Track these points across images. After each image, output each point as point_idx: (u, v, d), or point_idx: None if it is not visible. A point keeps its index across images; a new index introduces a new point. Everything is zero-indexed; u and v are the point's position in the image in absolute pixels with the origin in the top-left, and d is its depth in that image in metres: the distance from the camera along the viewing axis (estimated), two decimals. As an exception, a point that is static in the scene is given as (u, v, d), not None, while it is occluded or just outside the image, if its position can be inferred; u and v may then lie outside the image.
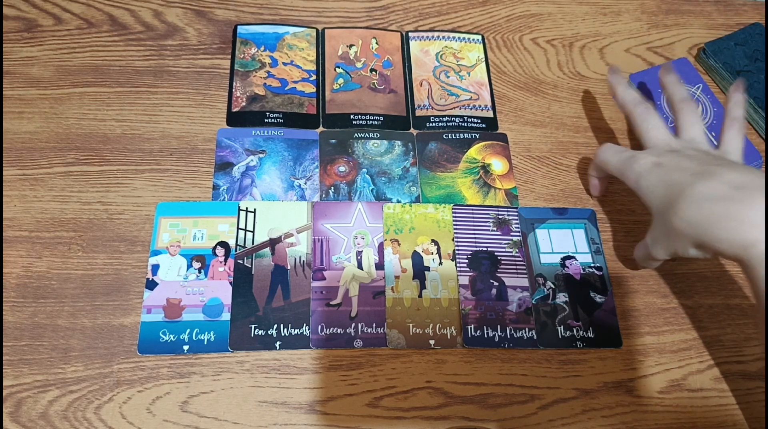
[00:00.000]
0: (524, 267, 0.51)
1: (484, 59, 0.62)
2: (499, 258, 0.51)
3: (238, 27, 0.60)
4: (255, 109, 0.56)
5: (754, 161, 0.55)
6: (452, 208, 0.53)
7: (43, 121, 0.53)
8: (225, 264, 0.48)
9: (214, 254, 0.49)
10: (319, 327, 0.47)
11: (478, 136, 0.57)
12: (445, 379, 0.46)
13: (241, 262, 0.49)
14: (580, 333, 0.48)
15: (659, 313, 0.51)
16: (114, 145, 0.53)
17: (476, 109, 0.59)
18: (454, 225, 0.52)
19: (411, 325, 0.48)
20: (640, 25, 0.66)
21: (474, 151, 0.56)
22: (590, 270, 0.51)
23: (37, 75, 0.55)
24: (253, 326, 0.46)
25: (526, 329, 0.48)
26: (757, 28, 0.64)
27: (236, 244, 0.49)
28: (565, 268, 0.51)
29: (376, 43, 0.61)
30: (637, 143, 0.59)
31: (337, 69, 0.59)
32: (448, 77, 0.60)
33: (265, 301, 0.47)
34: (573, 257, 0.52)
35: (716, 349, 0.49)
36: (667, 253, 0.45)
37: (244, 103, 0.56)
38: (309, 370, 0.46)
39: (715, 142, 0.53)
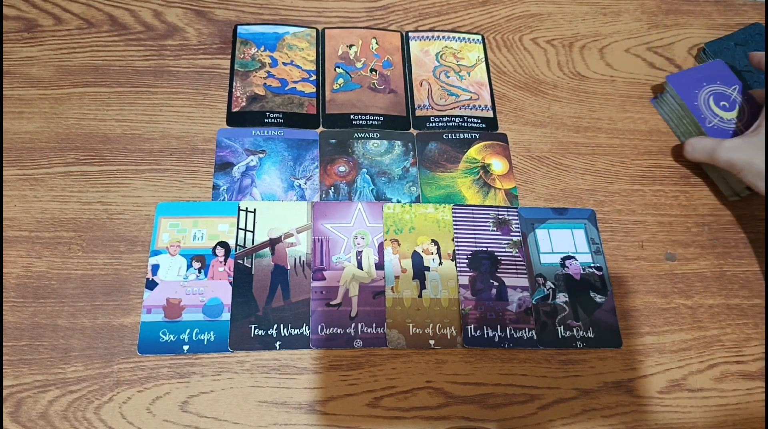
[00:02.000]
0: (524, 267, 0.51)
1: (484, 59, 0.62)
2: (499, 258, 0.51)
3: (238, 27, 0.60)
4: (255, 109, 0.56)
5: None
6: (452, 208, 0.53)
7: (43, 121, 0.53)
8: (225, 264, 0.48)
9: (214, 254, 0.49)
10: (319, 327, 0.47)
11: (478, 136, 0.57)
12: (445, 379, 0.46)
13: (241, 262, 0.49)
14: (580, 333, 0.48)
15: (659, 313, 0.51)
16: (114, 145, 0.53)
17: (476, 109, 0.59)
18: (454, 225, 0.52)
19: (411, 325, 0.48)
20: (640, 25, 0.66)
21: (474, 151, 0.56)
22: (590, 270, 0.51)
23: (37, 75, 0.55)
24: (253, 326, 0.46)
25: (526, 329, 0.48)
26: (757, 28, 0.64)
27: (236, 244, 0.49)
28: (565, 268, 0.51)
29: (376, 43, 0.61)
30: (636, 144, 0.59)
31: (337, 69, 0.59)
32: (448, 77, 0.60)
33: (265, 301, 0.47)
34: (573, 257, 0.52)
35: (716, 349, 0.49)
36: (734, 165, 0.50)
37: (244, 103, 0.56)
38: (309, 370, 0.46)
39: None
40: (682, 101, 0.57)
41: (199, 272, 0.48)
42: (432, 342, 0.47)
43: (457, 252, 0.51)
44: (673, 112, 0.59)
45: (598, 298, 0.50)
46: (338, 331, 0.47)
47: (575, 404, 0.46)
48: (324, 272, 0.49)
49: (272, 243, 0.50)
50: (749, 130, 0.52)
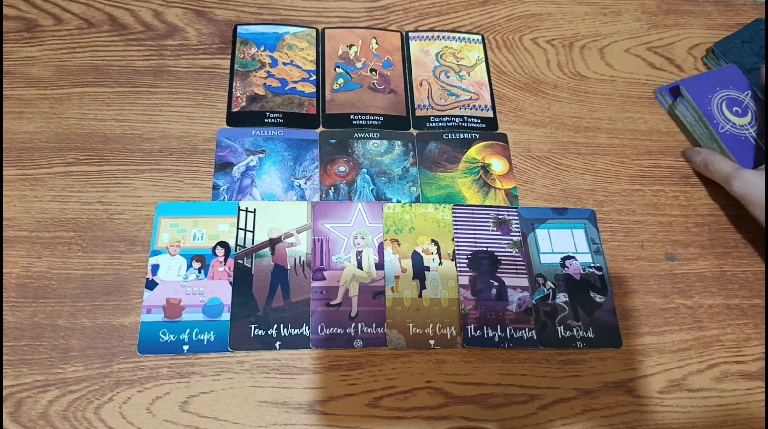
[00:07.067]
0: (524, 267, 0.51)
1: (484, 59, 0.62)
2: (499, 258, 0.51)
3: (238, 27, 0.60)
4: (255, 109, 0.56)
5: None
6: (452, 208, 0.53)
7: (43, 121, 0.53)
8: (225, 264, 0.48)
9: (214, 254, 0.49)
10: (319, 327, 0.47)
11: (478, 136, 0.57)
12: (445, 379, 0.46)
13: (241, 262, 0.49)
14: (580, 333, 0.48)
15: (659, 313, 0.51)
16: (114, 145, 0.53)
17: (476, 109, 0.59)
18: (454, 225, 0.52)
19: (411, 325, 0.48)
20: (640, 25, 0.66)
21: (474, 151, 0.56)
22: (590, 270, 0.51)
23: (37, 75, 0.55)
24: (253, 326, 0.46)
25: (526, 329, 0.48)
26: (761, 24, 0.64)
27: (236, 244, 0.49)
28: (565, 268, 0.51)
29: (376, 43, 0.61)
30: (636, 144, 0.59)
31: (337, 69, 0.59)
32: (448, 77, 0.60)
33: (264, 301, 0.47)
34: (573, 257, 0.52)
35: (716, 349, 0.49)
36: (745, 198, 0.50)
37: (244, 103, 0.56)
38: (309, 370, 0.46)
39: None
40: (696, 107, 0.57)
41: (199, 272, 0.48)
42: (432, 342, 0.47)
43: (457, 252, 0.51)
44: (685, 117, 0.59)
45: (598, 298, 0.50)
46: (338, 331, 0.47)
47: (575, 404, 0.46)
48: (324, 272, 0.49)
49: (272, 243, 0.50)
50: (764, 166, 0.53)
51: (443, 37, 0.63)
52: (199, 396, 0.44)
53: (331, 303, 0.48)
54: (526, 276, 0.50)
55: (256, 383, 0.45)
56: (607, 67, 0.63)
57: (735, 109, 0.57)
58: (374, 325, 0.47)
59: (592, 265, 0.51)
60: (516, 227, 0.52)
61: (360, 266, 0.49)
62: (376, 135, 0.56)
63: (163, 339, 0.45)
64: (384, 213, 0.52)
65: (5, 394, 0.43)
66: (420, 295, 0.49)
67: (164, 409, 0.43)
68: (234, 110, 0.56)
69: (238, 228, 0.50)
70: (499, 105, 0.59)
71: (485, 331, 0.48)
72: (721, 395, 0.48)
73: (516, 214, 0.53)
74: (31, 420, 0.42)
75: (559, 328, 0.48)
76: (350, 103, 0.57)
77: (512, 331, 0.48)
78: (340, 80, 0.59)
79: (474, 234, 0.52)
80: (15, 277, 0.46)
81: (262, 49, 0.59)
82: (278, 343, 0.46)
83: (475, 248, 0.51)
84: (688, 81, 0.58)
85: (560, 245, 0.52)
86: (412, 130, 0.57)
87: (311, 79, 0.58)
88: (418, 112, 0.58)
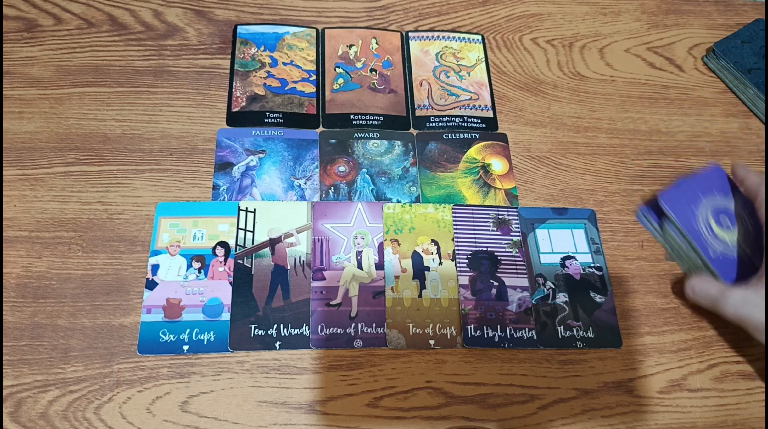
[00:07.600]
0: (524, 267, 0.51)
1: (484, 59, 0.62)
2: (499, 258, 0.51)
3: (238, 27, 0.60)
4: (255, 109, 0.56)
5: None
6: (452, 208, 0.53)
7: (43, 121, 0.53)
8: (225, 264, 0.48)
9: (214, 254, 0.49)
10: (319, 327, 0.47)
11: (478, 136, 0.57)
12: (445, 379, 0.46)
13: (241, 262, 0.49)
14: (580, 333, 0.48)
15: (659, 313, 0.51)
16: (114, 145, 0.53)
17: (476, 109, 0.59)
18: (454, 225, 0.52)
19: (411, 325, 0.48)
20: (640, 25, 0.66)
21: (474, 151, 0.56)
22: (590, 270, 0.51)
23: (37, 75, 0.55)
24: (253, 326, 0.46)
25: (526, 329, 0.48)
26: (761, 24, 0.64)
27: (236, 244, 0.49)
28: (565, 268, 0.51)
29: (376, 43, 0.61)
30: (636, 144, 0.59)
31: (337, 69, 0.59)
32: (448, 77, 0.60)
33: (265, 301, 0.47)
34: (573, 257, 0.52)
35: (716, 349, 0.49)
36: (746, 323, 0.45)
37: (244, 103, 0.56)
38: (309, 370, 0.46)
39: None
40: (681, 228, 0.49)
41: (199, 272, 0.48)
42: (432, 342, 0.47)
43: (457, 252, 0.51)
44: (675, 241, 0.51)
45: (598, 298, 0.50)
46: (338, 331, 0.47)
47: (575, 404, 0.46)
48: (324, 272, 0.49)
49: (272, 243, 0.50)
50: (754, 278, 0.46)
51: (443, 37, 0.63)
52: (199, 396, 0.44)
53: (331, 303, 0.48)
54: (526, 276, 0.50)
55: (256, 383, 0.45)
56: (607, 67, 0.63)
57: (722, 218, 0.50)
58: (374, 325, 0.47)
59: (592, 265, 0.51)
60: (516, 227, 0.52)
61: (360, 266, 0.49)
62: (376, 135, 0.56)
63: (163, 339, 0.45)
64: (384, 213, 0.52)
65: (5, 394, 0.43)
66: (420, 295, 0.49)
67: (164, 409, 0.43)
68: (234, 110, 0.56)
69: (238, 228, 0.50)
70: (499, 105, 0.59)
71: (485, 331, 0.48)
72: (721, 395, 0.48)
73: (516, 214, 0.53)
74: (31, 420, 0.42)
75: (559, 328, 0.48)
76: (350, 103, 0.57)
77: (512, 331, 0.48)
78: (340, 80, 0.59)
79: (474, 234, 0.52)
80: (15, 277, 0.46)
81: (262, 49, 0.59)
82: (278, 343, 0.46)
83: (475, 248, 0.51)
84: (668, 194, 0.50)
85: (560, 245, 0.52)
86: (412, 130, 0.57)
87: (311, 79, 0.58)
88: (418, 112, 0.58)
